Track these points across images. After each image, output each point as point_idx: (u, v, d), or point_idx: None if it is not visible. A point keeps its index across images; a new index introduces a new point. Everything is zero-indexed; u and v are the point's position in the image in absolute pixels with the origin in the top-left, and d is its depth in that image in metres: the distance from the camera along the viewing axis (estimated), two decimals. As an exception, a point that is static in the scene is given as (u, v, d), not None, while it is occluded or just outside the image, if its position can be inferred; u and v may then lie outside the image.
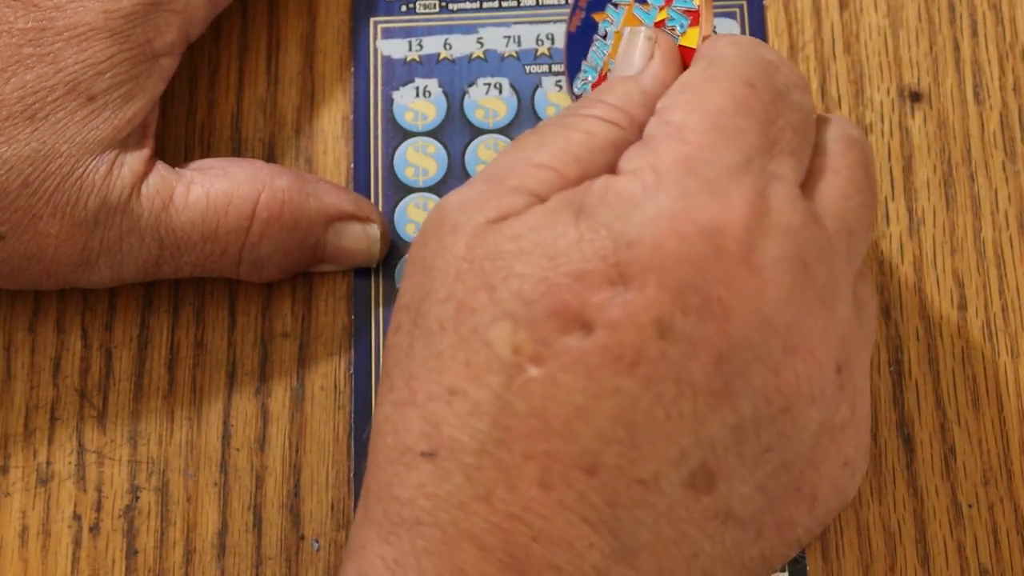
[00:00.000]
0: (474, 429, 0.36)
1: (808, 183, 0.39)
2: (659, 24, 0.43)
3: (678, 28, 0.42)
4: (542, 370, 0.35)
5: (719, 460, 0.36)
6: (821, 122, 0.41)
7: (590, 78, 0.46)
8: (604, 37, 0.45)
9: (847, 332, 0.38)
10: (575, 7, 0.46)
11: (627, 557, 0.36)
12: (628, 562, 0.36)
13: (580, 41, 0.46)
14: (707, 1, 0.42)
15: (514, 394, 0.36)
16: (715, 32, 0.42)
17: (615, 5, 0.44)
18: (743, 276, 0.36)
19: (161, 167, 0.46)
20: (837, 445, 0.39)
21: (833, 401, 0.38)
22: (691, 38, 0.42)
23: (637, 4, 0.44)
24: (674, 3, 0.43)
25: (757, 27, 0.50)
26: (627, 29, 0.43)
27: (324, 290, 0.48)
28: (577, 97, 0.46)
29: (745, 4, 0.51)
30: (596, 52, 0.45)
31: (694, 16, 0.42)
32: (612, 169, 0.39)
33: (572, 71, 0.47)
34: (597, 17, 0.45)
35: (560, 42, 0.51)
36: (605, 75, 0.45)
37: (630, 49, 0.42)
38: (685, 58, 0.42)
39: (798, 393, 0.37)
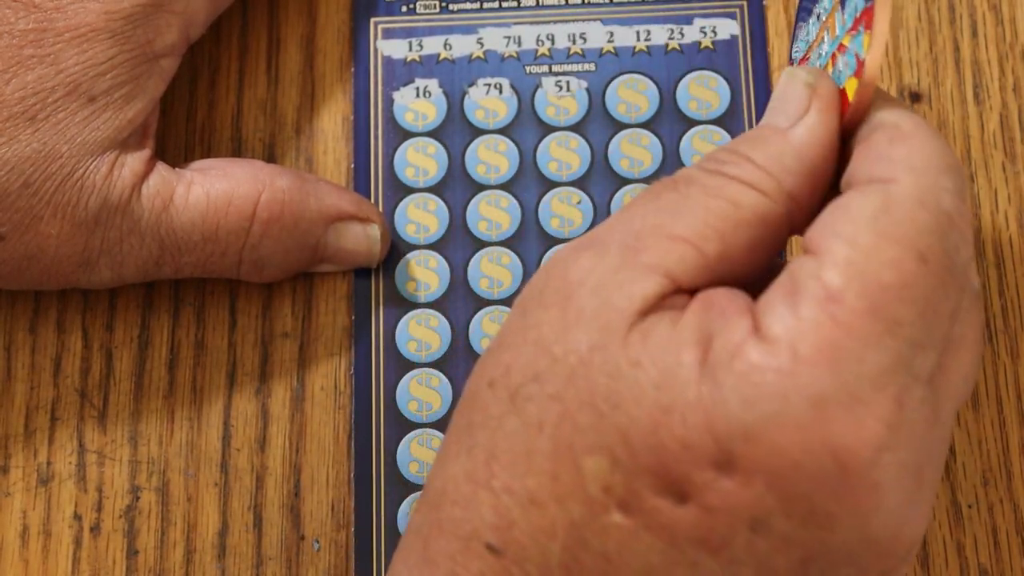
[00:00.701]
0: (545, 547, 0.35)
1: (936, 368, 0.35)
2: (841, 47, 0.38)
3: (849, 68, 0.38)
4: (627, 520, 0.34)
5: None
6: None
7: (800, 50, 0.42)
8: (818, 18, 0.41)
9: (926, 523, 0.36)
10: None
11: None
12: None
13: (805, 5, 0.43)
14: (877, 52, 0.36)
15: (592, 532, 0.34)
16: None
17: None
18: (860, 495, 0.33)
19: (161, 167, 0.46)
20: None
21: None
22: (852, 86, 0.37)
23: (840, 9, 0.39)
24: (854, 37, 0.38)
25: (757, 27, 0.50)
26: (826, 34, 0.40)
27: (324, 290, 0.48)
28: (791, 61, 0.43)
29: (745, 4, 0.51)
30: (810, 27, 0.42)
31: (859, 66, 0.37)
32: (755, 247, 0.36)
33: (797, 26, 0.43)
34: None
35: (557, 40, 0.51)
36: (807, 58, 0.42)
37: (785, 94, 0.38)
38: (843, 103, 0.37)
39: None
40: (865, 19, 0.37)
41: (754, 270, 0.37)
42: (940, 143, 0.36)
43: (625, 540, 0.34)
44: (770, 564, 0.34)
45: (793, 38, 0.44)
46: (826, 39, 0.40)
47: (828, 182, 0.37)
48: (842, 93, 0.38)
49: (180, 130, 0.50)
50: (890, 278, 0.34)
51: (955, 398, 0.36)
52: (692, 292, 0.36)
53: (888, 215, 0.34)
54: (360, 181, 0.49)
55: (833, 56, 0.39)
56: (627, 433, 0.34)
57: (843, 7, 0.39)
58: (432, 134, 0.50)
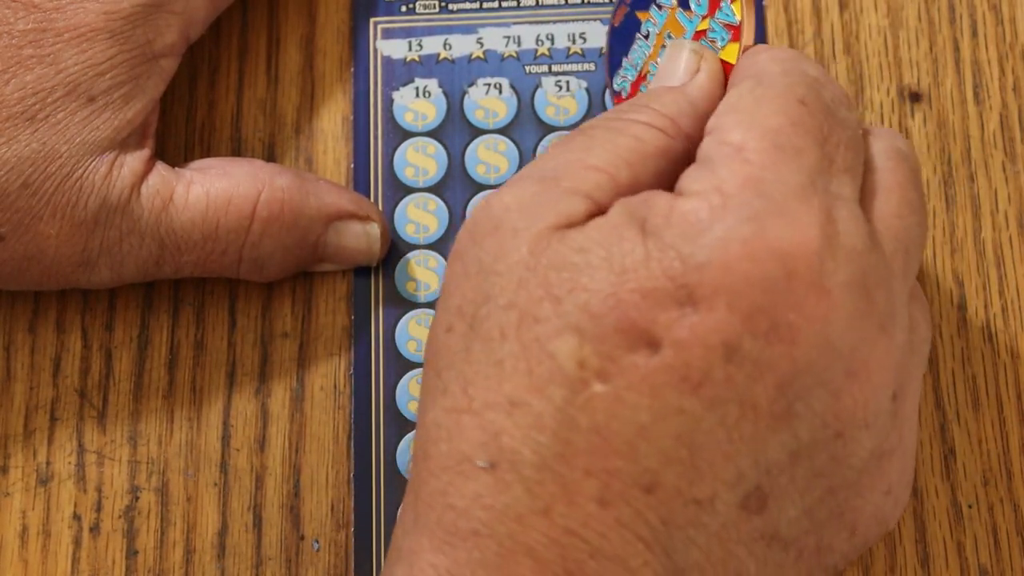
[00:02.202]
0: (535, 442, 0.35)
1: (862, 202, 0.39)
2: (700, 34, 0.43)
3: (719, 41, 0.42)
4: (607, 386, 0.35)
5: (773, 482, 0.36)
6: (867, 135, 0.41)
7: (630, 76, 0.45)
8: (646, 37, 0.45)
9: (903, 358, 0.38)
10: (620, 1, 0.46)
11: (678, 575, 0.36)
12: None
13: (622, 36, 0.46)
14: (749, 17, 0.42)
15: (577, 409, 0.35)
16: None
17: (659, 6, 0.44)
18: (812, 300, 0.36)
19: (161, 167, 0.46)
20: (882, 473, 0.38)
21: (884, 428, 0.38)
22: (731, 53, 0.42)
23: (680, 9, 0.44)
24: (716, 15, 0.43)
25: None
26: (669, 38, 0.43)
27: (324, 290, 0.48)
28: (616, 93, 0.46)
29: (745, 4, 0.51)
30: (637, 51, 0.45)
31: (735, 31, 0.42)
32: (662, 177, 0.39)
33: (613, 66, 0.46)
34: (640, 16, 0.45)
35: (557, 40, 0.51)
36: (645, 75, 0.45)
37: (674, 60, 0.42)
38: (724, 71, 0.42)
39: (853, 419, 0.37)
40: None
41: None
42: (798, 51, 0.41)
43: (611, 407, 0.35)
44: (751, 397, 0.35)
45: (611, 74, 0.46)
46: (668, 43, 0.44)
47: None
48: (724, 63, 0.42)
49: (180, 130, 0.50)
50: (779, 120, 0.38)
51: (894, 234, 0.38)
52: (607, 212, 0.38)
53: (760, 85, 0.39)
54: (360, 181, 0.49)
55: None
56: (587, 305, 0.36)
57: (685, 6, 0.44)
58: (432, 134, 0.50)
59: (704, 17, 0.43)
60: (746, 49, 0.42)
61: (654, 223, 0.36)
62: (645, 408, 0.35)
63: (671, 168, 0.39)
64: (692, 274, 0.35)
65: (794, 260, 0.36)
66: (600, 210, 0.38)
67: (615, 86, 0.46)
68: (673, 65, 0.42)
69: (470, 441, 0.36)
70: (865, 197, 0.39)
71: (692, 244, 0.36)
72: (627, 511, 0.35)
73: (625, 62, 0.46)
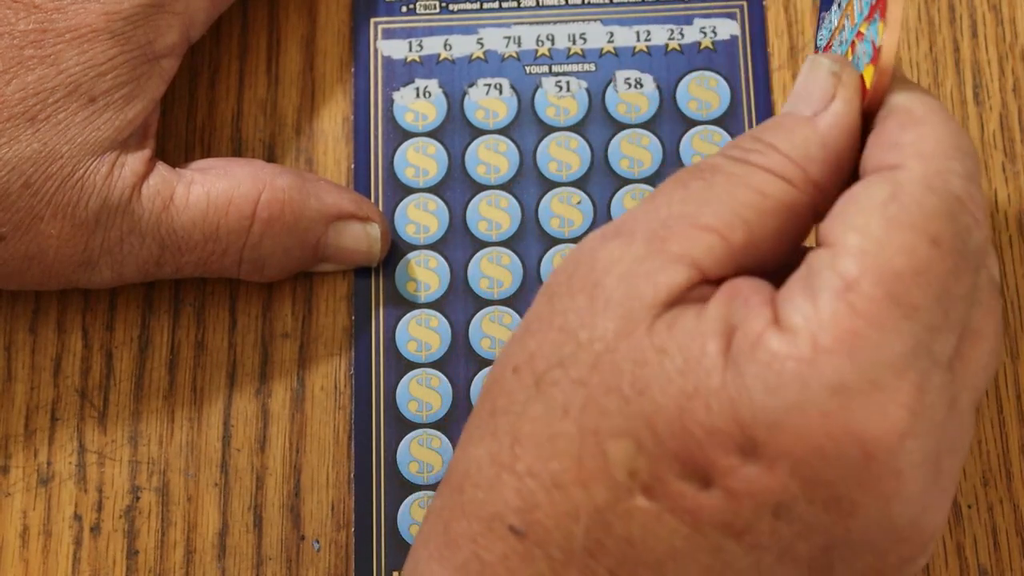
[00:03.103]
0: (568, 530, 0.35)
1: (954, 354, 0.35)
2: (859, 35, 0.39)
3: (865, 56, 0.38)
4: (651, 503, 0.34)
5: None
6: None
7: (824, 37, 0.42)
8: (839, 6, 0.42)
9: (946, 515, 0.36)
10: None
11: None
12: None
13: None
14: (891, 41, 0.37)
15: (616, 516, 0.35)
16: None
17: None
18: (882, 482, 0.34)
19: (162, 167, 0.46)
20: None
21: (918, 565, 0.37)
22: (868, 74, 0.38)
23: None
24: (871, 25, 0.38)
25: (757, 27, 0.50)
26: (847, 21, 0.40)
27: (324, 290, 0.48)
28: (817, 48, 0.43)
29: (745, 4, 0.51)
30: (832, 15, 0.42)
31: (876, 53, 0.37)
32: (781, 236, 0.36)
33: (820, 19, 0.44)
34: None
35: (557, 41, 0.51)
36: (830, 45, 0.42)
37: (811, 82, 0.38)
38: (863, 90, 0.38)
39: (892, 570, 0.36)
40: (880, 7, 0.37)
41: (779, 257, 0.37)
42: (952, 127, 0.36)
43: (649, 524, 0.35)
44: (792, 550, 0.34)
45: (818, 25, 0.44)
46: (847, 26, 0.40)
47: (851, 169, 0.38)
48: (861, 80, 0.38)
49: (180, 130, 0.50)
50: (903, 264, 0.34)
51: (973, 387, 0.36)
52: (718, 282, 0.36)
53: (897, 201, 0.35)
54: (360, 181, 0.49)
55: (852, 43, 0.40)
56: (652, 418, 0.34)
57: None
58: (432, 134, 0.50)
59: (865, 19, 0.39)
60: (884, 77, 0.37)
61: (740, 346, 0.34)
62: (683, 536, 0.34)
63: (795, 224, 0.37)
64: (761, 429, 0.33)
65: (875, 443, 0.33)
66: (705, 279, 0.36)
67: (817, 40, 0.43)
68: (809, 86, 0.38)
69: (507, 502, 0.36)
70: (958, 345, 0.35)
71: (769, 396, 0.33)
72: None
73: (824, 18, 0.43)
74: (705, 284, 0.36)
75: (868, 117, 0.38)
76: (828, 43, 0.42)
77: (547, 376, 0.36)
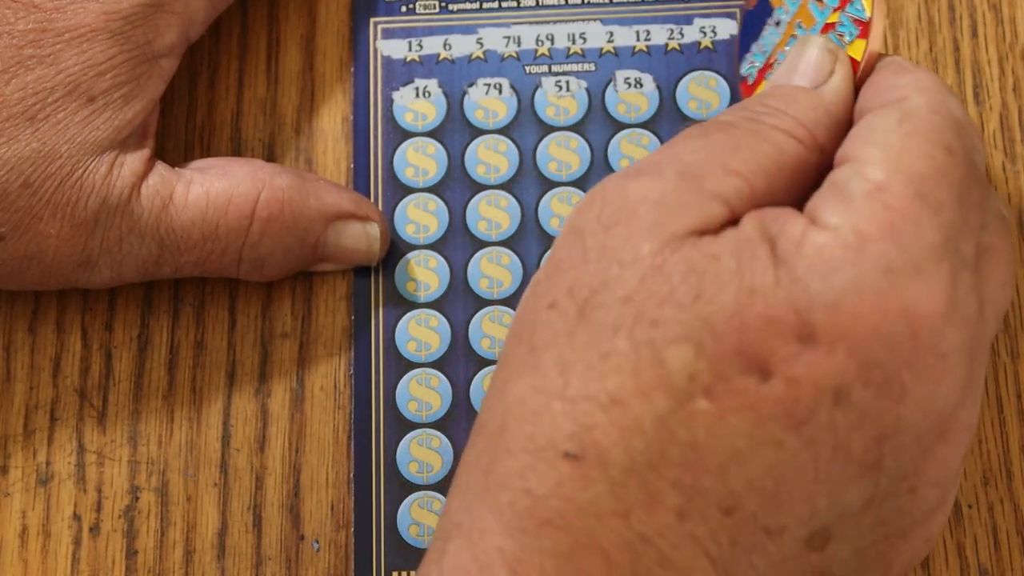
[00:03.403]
0: (629, 445, 0.35)
1: (975, 263, 0.38)
2: (829, 26, 0.42)
3: (846, 36, 0.42)
4: (713, 405, 0.35)
5: (840, 524, 0.36)
6: None
7: (758, 63, 0.45)
8: (777, 24, 0.44)
9: (975, 423, 0.38)
10: None
11: None
12: None
13: (754, 21, 0.45)
14: (880, 14, 0.41)
15: (679, 421, 0.35)
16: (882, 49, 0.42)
17: None
18: (929, 364, 0.36)
19: (161, 167, 0.46)
20: (931, 524, 0.39)
21: (949, 486, 0.38)
22: (857, 49, 0.41)
23: (812, 0, 0.43)
24: (847, 8, 0.42)
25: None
26: (800, 28, 0.43)
27: (324, 290, 0.48)
28: (742, 78, 0.45)
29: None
30: (768, 38, 0.45)
31: (863, 27, 0.41)
32: (793, 190, 0.38)
33: (742, 49, 0.46)
34: (774, 2, 0.45)
35: (557, 40, 0.51)
36: (772, 63, 0.44)
37: (804, 57, 0.41)
38: (853, 69, 0.41)
39: (930, 476, 0.37)
40: None
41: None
42: (937, 76, 0.40)
43: (712, 426, 0.35)
44: (847, 443, 0.35)
45: (740, 56, 0.46)
46: (799, 34, 0.43)
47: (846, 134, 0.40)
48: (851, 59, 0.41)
49: (180, 130, 0.50)
50: (926, 167, 0.37)
51: (994, 302, 0.38)
52: (738, 223, 0.38)
53: (909, 121, 0.38)
54: (360, 181, 0.49)
55: None
56: (710, 319, 0.35)
57: None
58: (432, 134, 0.50)
59: (835, 9, 0.42)
60: (874, 55, 0.41)
61: (785, 248, 0.36)
62: (745, 434, 0.35)
63: (803, 180, 0.39)
64: (819, 313, 0.35)
65: (921, 322, 0.35)
66: (734, 219, 0.37)
67: (742, 71, 0.45)
68: (803, 61, 0.41)
69: (559, 428, 0.35)
70: (976, 255, 0.38)
71: (823, 282, 0.35)
72: (703, 528, 0.35)
73: (755, 47, 0.45)
74: (733, 223, 0.37)
75: (859, 87, 0.41)
76: (767, 63, 0.44)
77: (591, 301, 0.36)
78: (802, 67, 0.41)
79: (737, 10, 0.50)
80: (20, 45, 0.44)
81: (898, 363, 0.35)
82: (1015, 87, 0.50)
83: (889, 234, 0.36)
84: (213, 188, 0.45)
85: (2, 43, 0.44)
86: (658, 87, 0.50)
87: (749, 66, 0.45)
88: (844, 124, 0.40)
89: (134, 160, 0.45)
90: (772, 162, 0.38)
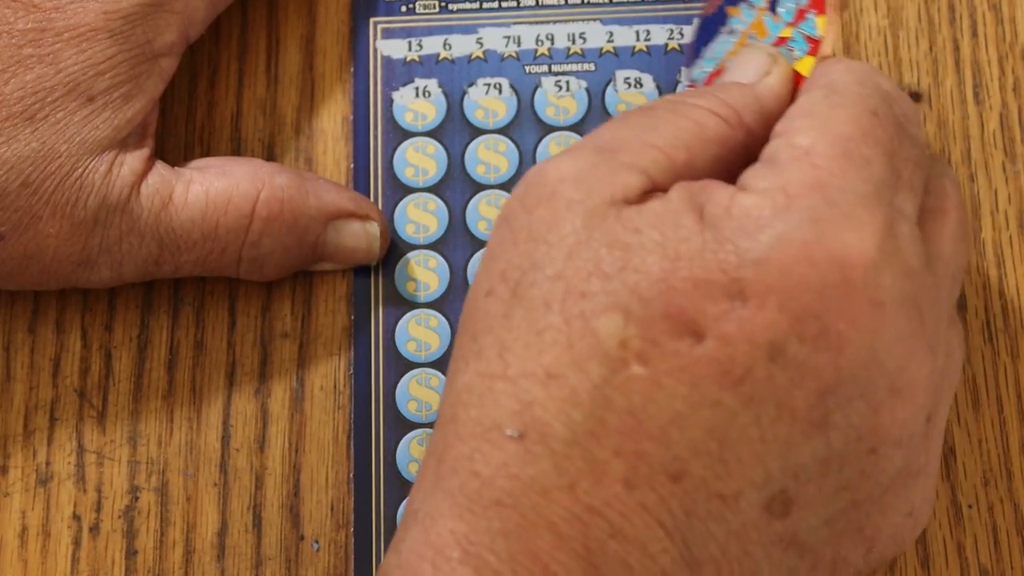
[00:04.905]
0: (568, 417, 0.35)
1: (919, 222, 0.38)
2: (782, 40, 0.43)
3: (797, 51, 0.42)
4: (647, 370, 0.35)
5: (799, 488, 0.36)
6: None
7: (708, 68, 0.45)
8: (731, 33, 0.45)
9: (940, 381, 0.38)
10: None
11: (693, 566, 0.36)
12: (693, 571, 0.36)
13: (709, 28, 0.46)
14: (831, 34, 0.42)
15: (614, 388, 0.35)
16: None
17: (750, 5, 0.44)
18: (865, 312, 0.35)
19: (160, 166, 0.46)
20: (907, 493, 0.38)
21: (916, 449, 0.38)
22: (805, 65, 0.42)
23: (769, 12, 0.44)
24: (800, 25, 0.43)
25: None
26: (752, 39, 0.44)
27: (324, 290, 0.48)
28: (692, 81, 0.46)
29: (745, 4, 0.51)
30: (720, 45, 0.45)
31: (814, 45, 0.42)
32: (718, 165, 0.39)
33: (695, 54, 0.46)
34: (730, 11, 0.45)
35: (557, 40, 0.51)
36: (722, 71, 0.45)
37: (749, 60, 0.42)
38: (796, 82, 0.42)
39: (889, 435, 0.36)
40: (816, 7, 0.43)
41: None
42: (869, 63, 0.42)
43: (648, 391, 0.35)
44: (789, 400, 0.35)
45: (693, 58, 0.46)
46: (747, 45, 0.44)
47: None
48: (796, 74, 0.42)
49: (180, 130, 0.50)
50: (851, 129, 0.37)
51: (946, 261, 0.38)
52: (664, 192, 0.38)
53: (835, 94, 0.39)
54: (360, 181, 0.49)
55: None
56: (637, 286, 0.35)
57: (773, 10, 0.43)
58: (432, 134, 0.50)
59: (789, 25, 0.43)
60: (822, 59, 0.42)
61: (713, 212, 0.36)
62: (682, 396, 0.35)
63: (729, 158, 0.39)
64: (747, 269, 0.35)
65: (852, 269, 0.35)
66: (656, 188, 0.38)
67: (693, 75, 0.46)
68: (745, 63, 0.42)
69: (502, 408, 0.36)
70: (922, 218, 0.39)
71: (751, 240, 0.35)
72: (652, 496, 0.35)
73: (706, 53, 0.45)
74: (656, 191, 0.38)
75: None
76: (718, 68, 0.45)
77: (522, 282, 0.37)
78: (742, 68, 0.42)
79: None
80: (19, 44, 0.44)
81: (832, 313, 0.35)
82: (1015, 87, 0.50)
83: (816, 189, 0.36)
84: (213, 187, 0.45)
85: (1, 42, 0.44)
86: (658, 87, 0.50)
87: (700, 71, 0.46)
88: (775, 115, 0.40)
89: (134, 159, 0.45)
90: (693, 136, 0.38)
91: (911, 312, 0.36)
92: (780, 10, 0.43)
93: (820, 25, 0.42)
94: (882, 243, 0.36)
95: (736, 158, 0.39)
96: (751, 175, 0.37)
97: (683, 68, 0.47)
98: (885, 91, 0.39)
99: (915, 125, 0.39)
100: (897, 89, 0.40)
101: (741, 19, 0.45)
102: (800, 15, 0.43)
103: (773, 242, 0.35)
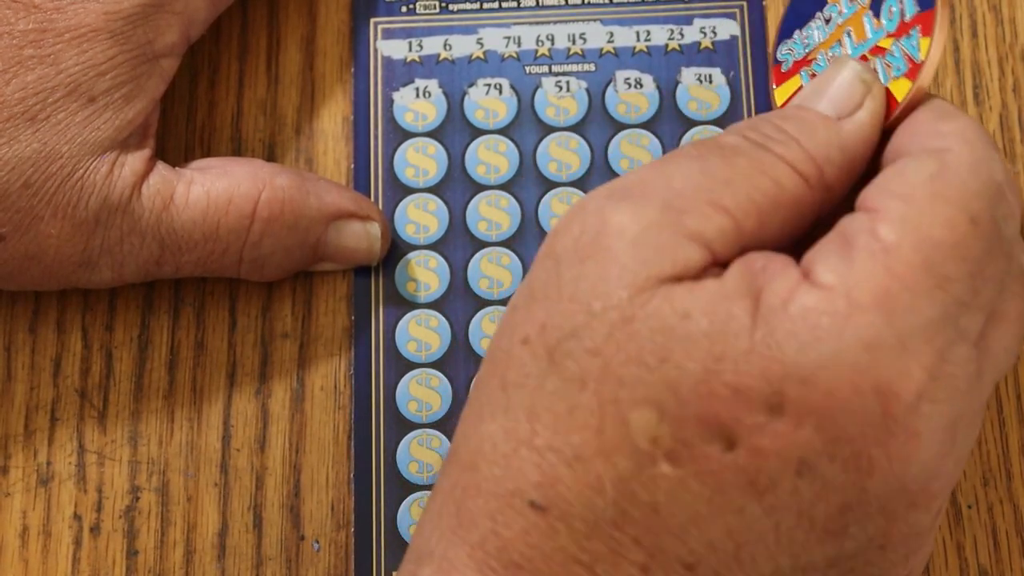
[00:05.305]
0: (591, 502, 0.35)
1: (981, 332, 0.36)
2: (879, 50, 0.40)
3: (893, 70, 0.39)
4: (675, 470, 0.35)
5: None
6: None
7: (796, 53, 0.43)
8: (827, 22, 0.42)
9: (957, 474, 0.37)
10: None
11: None
12: None
13: (803, 7, 0.43)
14: (934, 58, 0.38)
15: (640, 484, 0.35)
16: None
17: None
18: (899, 441, 0.35)
19: (161, 167, 0.46)
20: (907, 566, 0.38)
21: (923, 537, 0.37)
22: (900, 88, 0.39)
23: (870, 12, 0.41)
24: (902, 40, 0.39)
25: (757, 27, 0.50)
26: (848, 36, 0.41)
27: (324, 290, 0.48)
28: (777, 62, 0.43)
29: (745, 5, 0.51)
30: (814, 31, 0.42)
31: (913, 68, 0.38)
32: (787, 228, 0.37)
33: (783, 32, 0.44)
34: None
35: (557, 41, 0.51)
36: (810, 61, 0.42)
37: (835, 80, 0.39)
38: (890, 105, 0.39)
39: (900, 537, 0.36)
40: (922, 24, 0.39)
41: (777, 249, 0.37)
42: (982, 127, 0.38)
43: (673, 490, 0.35)
44: (811, 511, 0.35)
45: (781, 39, 0.44)
46: (847, 43, 0.41)
47: (860, 176, 0.38)
48: (888, 92, 0.39)
49: (180, 130, 0.50)
50: (943, 236, 0.35)
51: (996, 368, 0.37)
52: (724, 264, 0.36)
53: (943, 178, 0.36)
54: (360, 181, 0.49)
55: (863, 58, 0.40)
56: (676, 385, 0.34)
57: (876, 12, 0.40)
58: (432, 134, 0.50)
59: (890, 36, 0.40)
60: (922, 92, 0.38)
61: (769, 303, 0.35)
62: (706, 500, 0.35)
63: (799, 220, 0.37)
64: (791, 384, 0.34)
65: (895, 402, 0.34)
66: (716, 262, 0.36)
67: (779, 55, 0.43)
68: (834, 85, 0.39)
69: (526, 477, 0.36)
70: (985, 325, 0.37)
71: (801, 353, 0.34)
72: None
73: (797, 35, 0.43)
74: (715, 266, 0.36)
75: (891, 129, 0.39)
76: (806, 57, 0.42)
77: (560, 347, 0.36)
78: (831, 92, 0.39)
79: (737, 10, 0.50)
80: (20, 45, 0.44)
81: (867, 439, 0.34)
82: (1015, 87, 0.50)
83: (882, 304, 0.34)
84: (214, 188, 0.45)
85: (2, 43, 0.44)
86: (658, 87, 0.50)
87: (787, 52, 0.43)
88: (859, 165, 0.38)
89: (135, 160, 0.45)
90: (768, 199, 0.37)
91: (946, 436, 0.35)
92: (883, 16, 0.40)
93: (923, 47, 0.38)
94: (932, 374, 0.34)
95: (807, 219, 0.38)
96: (820, 258, 0.35)
97: (773, 39, 0.44)
98: (996, 185, 0.36)
99: (1014, 226, 0.37)
100: (1009, 178, 0.37)
101: (840, 10, 0.42)
102: (903, 28, 0.39)
103: (823, 362, 0.34)
